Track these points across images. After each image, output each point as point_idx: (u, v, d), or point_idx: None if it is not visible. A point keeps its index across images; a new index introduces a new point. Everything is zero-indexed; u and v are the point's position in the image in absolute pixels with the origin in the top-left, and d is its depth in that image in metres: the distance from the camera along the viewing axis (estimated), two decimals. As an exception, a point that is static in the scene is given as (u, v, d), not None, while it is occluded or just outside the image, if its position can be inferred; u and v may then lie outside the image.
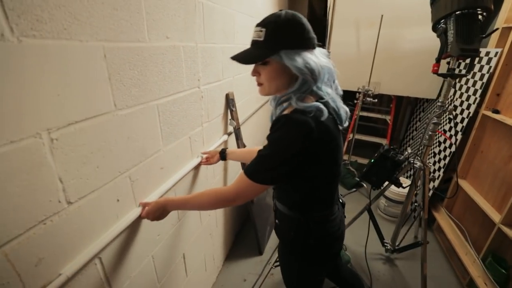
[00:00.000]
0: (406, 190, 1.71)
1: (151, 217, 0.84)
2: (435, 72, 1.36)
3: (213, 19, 1.19)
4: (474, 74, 1.83)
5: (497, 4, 1.77)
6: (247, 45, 1.74)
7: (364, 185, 2.66)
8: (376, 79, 2.35)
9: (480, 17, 1.21)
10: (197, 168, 1.22)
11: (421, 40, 2.17)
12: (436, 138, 2.18)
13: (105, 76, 0.67)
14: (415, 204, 1.96)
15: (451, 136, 1.99)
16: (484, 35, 1.25)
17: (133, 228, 0.84)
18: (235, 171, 1.75)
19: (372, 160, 1.58)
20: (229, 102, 1.44)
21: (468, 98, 1.86)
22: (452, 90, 2.04)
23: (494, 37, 1.72)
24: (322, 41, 2.57)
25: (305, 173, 0.74)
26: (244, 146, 1.60)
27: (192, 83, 1.08)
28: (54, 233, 0.59)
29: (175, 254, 1.14)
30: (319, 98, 0.75)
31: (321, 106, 0.70)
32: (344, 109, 0.78)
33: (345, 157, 2.78)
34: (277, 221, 0.95)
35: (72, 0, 0.56)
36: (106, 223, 0.73)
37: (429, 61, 2.17)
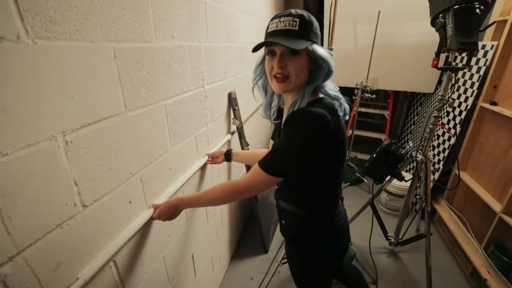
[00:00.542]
0: (408, 183, 1.73)
1: (163, 217, 0.83)
2: (435, 66, 1.38)
3: (215, 18, 1.18)
4: (471, 67, 1.86)
5: (491, -3, 1.80)
6: (247, 43, 1.74)
7: (365, 180, 2.68)
8: (374, 75, 2.37)
9: (477, 10, 1.23)
10: (203, 168, 1.22)
11: (417, 35, 2.20)
12: (436, 131, 2.21)
13: (116, 77, 0.66)
14: (417, 197, 1.99)
15: (450, 128, 2.01)
16: (481, 29, 1.27)
17: (145, 229, 0.84)
18: (239, 170, 1.75)
19: (374, 155, 1.60)
20: (232, 101, 1.44)
21: (465, 91, 1.89)
22: (450, 84, 2.08)
23: (490, 30, 1.75)
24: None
25: (316, 167, 0.74)
26: (247, 144, 1.60)
27: (197, 83, 1.07)
28: (70, 237, 0.58)
29: (184, 254, 1.14)
30: (325, 94, 0.78)
31: (343, 100, 0.76)
32: (345, 104, 0.81)
33: (345, 153, 2.79)
34: (283, 221, 0.94)
35: (84, 1, 0.55)
36: (120, 225, 0.73)
37: (426, 56, 2.22)
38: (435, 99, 1.51)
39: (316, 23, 0.74)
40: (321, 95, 0.78)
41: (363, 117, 3.39)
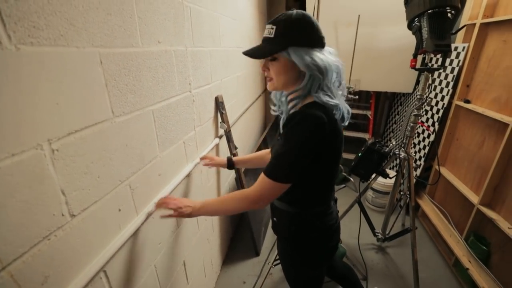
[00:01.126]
0: (392, 180, 1.79)
1: (181, 211, 0.82)
2: (413, 67, 1.45)
3: (201, 23, 1.19)
4: (446, 68, 1.96)
5: (461, 3, 1.92)
6: (232, 47, 1.76)
7: (352, 179, 2.75)
8: (356, 76, 2.45)
9: (449, 15, 1.31)
10: (192, 173, 1.21)
11: (395, 38, 2.30)
12: (416, 129, 2.31)
13: (102, 83, 0.65)
14: (401, 193, 2.07)
15: (429, 126, 2.11)
16: (453, 32, 1.35)
17: (135, 238, 0.82)
18: (227, 173, 1.75)
19: (360, 154, 1.65)
20: (219, 105, 1.44)
21: (441, 90, 2.00)
22: (427, 83, 2.18)
23: (461, 33, 1.86)
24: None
25: (311, 168, 0.76)
26: (236, 148, 1.60)
27: (184, 87, 1.07)
28: (59, 249, 0.56)
29: (176, 261, 1.12)
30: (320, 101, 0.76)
31: (340, 105, 0.75)
32: (347, 109, 0.82)
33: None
34: (275, 219, 0.96)
35: (68, 6, 0.54)
36: (109, 234, 0.71)
37: (404, 57, 2.32)
38: (414, 98, 1.58)
39: (302, 27, 0.73)
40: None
41: (347, 118, 3.48)
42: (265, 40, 0.77)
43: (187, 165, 1.15)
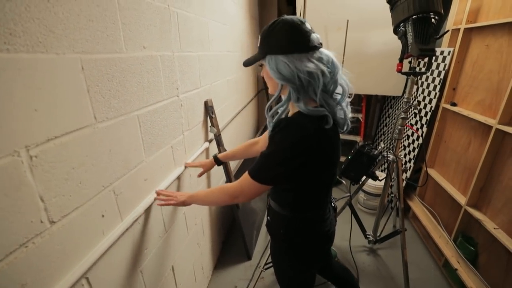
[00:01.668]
0: (382, 182, 1.81)
1: (177, 200, 0.92)
2: (399, 71, 1.47)
3: (188, 28, 1.20)
4: (433, 71, 2.00)
5: (445, 9, 1.96)
6: (222, 52, 1.77)
7: (343, 181, 2.77)
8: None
9: (433, 20, 1.34)
10: (180, 177, 1.20)
11: (384, 42, 2.33)
12: (405, 132, 2.34)
13: (84, 89, 0.65)
14: (391, 195, 2.09)
15: (418, 129, 2.14)
16: (437, 36, 1.38)
17: (120, 244, 0.81)
18: (218, 177, 1.75)
19: (350, 157, 1.66)
20: (208, 109, 1.44)
21: (429, 94, 2.03)
22: (415, 87, 2.22)
23: (447, 37, 1.90)
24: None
25: (302, 174, 0.76)
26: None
27: (171, 92, 1.07)
28: (37, 256, 0.55)
29: (164, 266, 1.11)
30: (319, 104, 0.75)
31: (326, 113, 0.72)
32: (343, 114, 0.79)
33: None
34: (268, 218, 0.98)
35: (47, 13, 0.54)
36: (92, 240, 0.71)
37: (393, 61, 2.33)
38: (402, 101, 1.61)
39: (279, 33, 0.72)
40: (317, 105, 0.75)
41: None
42: (258, 48, 0.80)
43: (175, 170, 1.15)
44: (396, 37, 1.51)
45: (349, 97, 0.80)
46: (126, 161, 0.83)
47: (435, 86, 1.97)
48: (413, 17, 1.33)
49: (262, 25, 3.20)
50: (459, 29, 1.74)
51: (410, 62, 1.47)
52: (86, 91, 0.66)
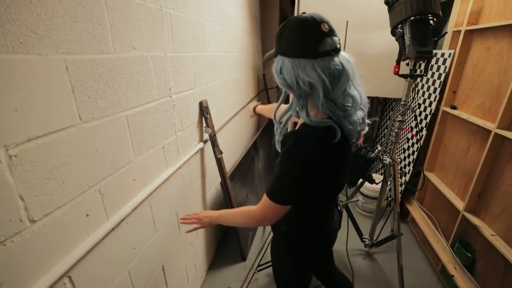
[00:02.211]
0: (380, 185, 1.79)
1: (202, 223, 0.94)
2: (396, 73, 1.46)
3: (182, 29, 1.20)
4: (433, 74, 1.97)
5: (446, 10, 1.93)
6: (220, 52, 1.77)
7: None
8: (347, 81, 2.46)
9: (431, 22, 1.32)
10: (173, 177, 1.21)
11: (384, 44, 2.31)
12: (405, 135, 2.31)
13: (68, 89, 0.66)
14: (390, 198, 2.06)
15: (417, 132, 2.11)
16: (436, 38, 1.36)
17: (105, 243, 0.82)
18: (213, 178, 1.75)
19: (346, 159, 1.65)
20: (203, 109, 1.44)
21: (429, 96, 2.00)
22: (416, 89, 2.19)
23: (447, 39, 1.87)
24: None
25: (314, 187, 0.75)
26: (221, 152, 1.60)
27: (163, 93, 1.08)
28: (15, 254, 0.56)
29: (153, 266, 1.11)
30: (328, 115, 0.70)
31: (332, 124, 0.67)
32: (350, 126, 0.71)
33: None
34: None
35: (29, 14, 0.55)
36: (76, 239, 0.71)
37: (394, 63, 2.32)
38: (400, 104, 1.59)
39: (290, 34, 0.67)
40: (324, 116, 0.71)
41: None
42: None
43: (166, 170, 1.15)
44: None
45: (361, 109, 0.74)
46: (114, 161, 0.83)
47: (435, 89, 1.94)
48: (411, 18, 1.31)
49: (264, 25, 3.20)
50: (460, 31, 1.71)
51: (407, 64, 1.45)
52: (70, 92, 0.66)
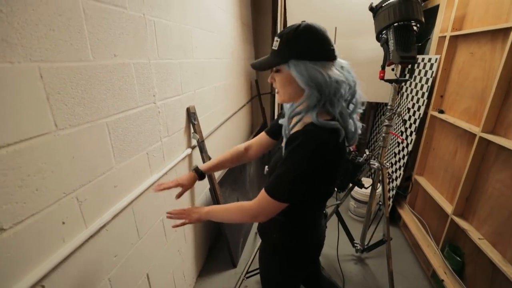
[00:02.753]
0: (369, 190, 1.79)
1: (190, 218, 0.87)
2: (382, 78, 1.47)
3: (168, 36, 1.21)
4: (421, 78, 1.99)
5: (432, 16, 1.97)
6: (209, 59, 1.78)
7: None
8: (337, 86, 2.48)
9: (414, 28, 1.34)
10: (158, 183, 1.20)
11: (374, 49, 2.32)
12: (395, 139, 2.32)
13: (43, 97, 0.66)
14: (380, 203, 2.06)
15: (407, 137, 2.13)
16: (419, 44, 1.38)
17: (83, 250, 0.81)
18: (203, 184, 1.74)
19: (335, 164, 1.65)
20: (191, 116, 1.45)
21: (418, 101, 2.02)
22: (405, 94, 2.21)
23: (434, 45, 1.90)
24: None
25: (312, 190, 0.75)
26: (209, 158, 1.60)
27: (146, 99, 1.08)
28: (-16, 263, 0.55)
29: (137, 274, 1.10)
30: (332, 116, 0.73)
31: (338, 126, 0.70)
32: (352, 128, 0.75)
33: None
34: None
35: (-1, 23, 0.55)
36: (50, 247, 0.70)
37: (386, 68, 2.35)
38: (386, 109, 1.60)
39: (305, 39, 0.70)
40: (328, 118, 0.74)
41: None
42: (272, 52, 0.76)
43: (151, 176, 1.15)
44: (384, 45, 1.51)
45: (360, 108, 0.79)
46: (93, 168, 0.83)
47: (423, 93, 1.96)
48: (394, 24, 1.33)
49: (256, 32, 3.24)
50: (445, 37, 1.74)
51: (393, 70, 1.46)
52: (45, 99, 0.66)
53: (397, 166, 2.22)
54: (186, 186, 1.05)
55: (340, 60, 0.76)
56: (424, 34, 2.05)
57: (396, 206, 2.28)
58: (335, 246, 1.80)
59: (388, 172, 1.69)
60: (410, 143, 2.06)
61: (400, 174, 2.15)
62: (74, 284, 0.79)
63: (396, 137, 2.23)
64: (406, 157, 2.11)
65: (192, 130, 1.49)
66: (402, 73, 1.48)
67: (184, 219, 0.88)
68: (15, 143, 0.60)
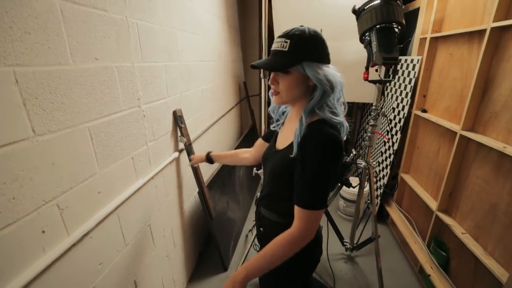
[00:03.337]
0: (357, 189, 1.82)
1: None
2: (366, 79, 1.50)
3: (152, 39, 1.20)
4: (404, 79, 2.05)
5: (413, 19, 2.03)
6: (195, 62, 1.77)
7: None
8: (324, 88, 2.51)
9: (396, 30, 1.38)
10: (144, 188, 1.18)
11: (359, 51, 2.38)
12: (381, 139, 2.37)
13: (18, 102, 0.64)
14: (368, 202, 2.10)
15: (392, 136, 2.18)
16: (401, 45, 1.42)
17: (65, 259, 0.78)
18: (192, 188, 1.73)
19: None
20: (177, 119, 1.43)
21: (402, 101, 2.07)
22: (390, 94, 2.26)
23: (415, 46, 1.96)
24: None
25: None
26: (198, 161, 1.59)
27: (130, 103, 1.06)
28: (-44, 277, 0.53)
29: (124, 281, 1.08)
30: (325, 118, 0.77)
31: (343, 121, 0.76)
32: (346, 125, 0.81)
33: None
34: (261, 228, 0.97)
35: (-32, 26, 0.53)
36: (30, 257, 0.68)
37: (371, 68, 2.41)
38: (371, 109, 1.64)
39: (316, 43, 0.75)
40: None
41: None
42: (277, 53, 0.76)
43: (137, 181, 1.13)
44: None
45: (345, 107, 0.84)
46: (74, 174, 0.81)
47: (407, 93, 2.01)
48: (377, 26, 1.36)
49: (244, 34, 3.25)
50: (426, 38, 1.80)
51: (376, 70, 1.50)
52: (21, 104, 0.64)
53: (384, 165, 2.27)
54: (196, 160, 1.38)
55: (330, 65, 0.80)
56: (406, 35, 2.11)
57: (384, 204, 2.32)
58: (325, 246, 1.81)
59: (375, 171, 1.72)
60: (396, 142, 2.11)
61: (387, 172, 2.19)
62: (56, 294, 0.76)
63: (382, 136, 2.28)
64: (392, 156, 2.16)
65: (179, 134, 1.48)
66: (386, 74, 1.53)
67: None
68: (-11, 150, 0.58)
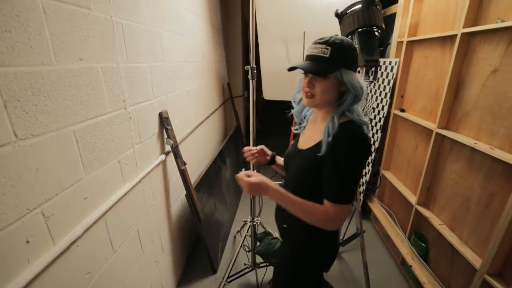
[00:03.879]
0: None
1: (249, 189, 0.81)
2: (349, 80, 1.56)
3: (137, 39, 1.17)
4: (384, 80, 2.15)
5: (391, 23, 2.13)
6: (180, 62, 1.74)
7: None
8: (308, 88, 2.57)
9: (376, 33, 1.45)
10: (132, 192, 1.15)
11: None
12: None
13: (-1, 104, 0.60)
14: (352, 198, 2.17)
15: (373, 135, 2.27)
16: (381, 48, 1.49)
17: (52, 270, 0.75)
18: (179, 190, 1.70)
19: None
20: (164, 121, 1.41)
21: (381, 101, 2.17)
22: (370, 95, 2.35)
23: (393, 49, 2.06)
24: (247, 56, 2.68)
25: None
26: (185, 164, 1.57)
27: (116, 105, 1.03)
28: None
29: (112, 290, 1.04)
30: (354, 119, 0.82)
31: (368, 121, 0.82)
32: (369, 125, 0.90)
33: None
34: (284, 225, 0.99)
35: None
36: (13, 270, 0.64)
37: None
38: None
39: (352, 52, 0.81)
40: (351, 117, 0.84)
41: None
42: (318, 58, 0.79)
43: (124, 185, 1.09)
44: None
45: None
46: (59, 180, 0.77)
47: (386, 94, 2.11)
48: (358, 30, 1.42)
49: (226, 35, 3.24)
50: (402, 42, 1.90)
51: (358, 72, 1.56)
52: (2, 107, 0.61)
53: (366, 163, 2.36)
54: (261, 154, 1.10)
55: None
56: (385, 39, 2.21)
57: (367, 200, 2.41)
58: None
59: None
60: (377, 140, 2.20)
61: (369, 170, 2.29)
62: (42, 307, 0.72)
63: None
64: (373, 154, 2.25)
65: (165, 136, 1.45)
66: (367, 75, 1.59)
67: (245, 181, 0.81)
68: (-32, 157, 0.54)
